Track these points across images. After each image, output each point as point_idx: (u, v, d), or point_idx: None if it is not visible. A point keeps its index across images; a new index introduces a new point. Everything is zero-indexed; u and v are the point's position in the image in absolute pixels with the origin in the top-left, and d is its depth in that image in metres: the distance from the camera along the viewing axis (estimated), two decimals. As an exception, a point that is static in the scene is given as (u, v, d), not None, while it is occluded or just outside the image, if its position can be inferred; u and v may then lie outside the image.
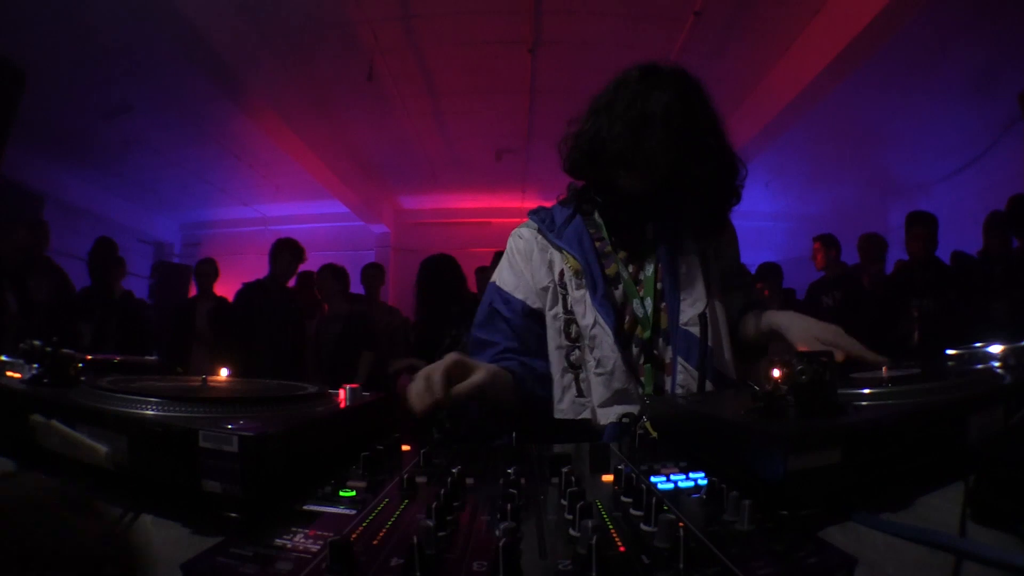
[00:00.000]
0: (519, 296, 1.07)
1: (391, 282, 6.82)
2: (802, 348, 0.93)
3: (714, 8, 3.40)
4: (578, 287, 1.04)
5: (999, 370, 0.74)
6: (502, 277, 1.11)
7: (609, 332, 1.00)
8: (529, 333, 1.07)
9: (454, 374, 0.85)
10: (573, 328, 1.03)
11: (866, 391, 0.66)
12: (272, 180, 6.24)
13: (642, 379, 1.01)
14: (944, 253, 3.39)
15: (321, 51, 3.90)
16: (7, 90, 3.40)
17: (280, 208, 7.29)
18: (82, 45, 3.59)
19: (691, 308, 1.03)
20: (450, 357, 0.86)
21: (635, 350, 1.03)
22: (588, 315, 1.02)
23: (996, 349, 0.79)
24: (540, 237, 1.11)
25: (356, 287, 4.34)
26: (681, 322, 1.02)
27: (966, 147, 4.70)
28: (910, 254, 3.42)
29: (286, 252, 3.63)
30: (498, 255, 1.30)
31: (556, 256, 1.08)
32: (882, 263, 3.87)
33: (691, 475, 0.59)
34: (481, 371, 0.88)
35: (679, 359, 1.00)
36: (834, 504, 0.50)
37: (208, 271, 4.24)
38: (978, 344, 0.83)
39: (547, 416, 1.05)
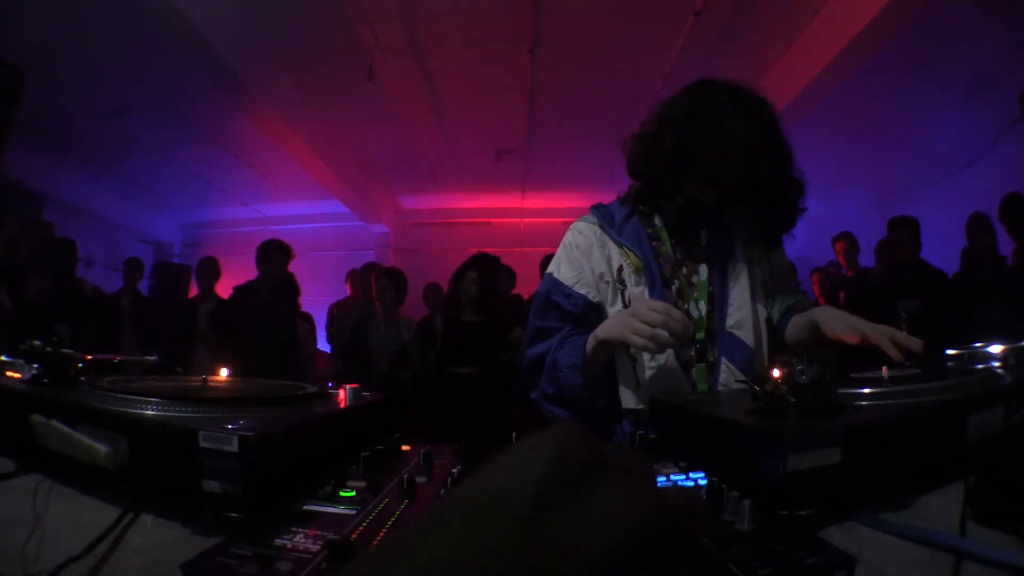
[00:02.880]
0: (581, 290, 1.11)
1: (391, 282, 6.82)
2: (836, 336, 0.96)
3: (714, 8, 3.40)
4: (637, 283, 1.08)
5: (999, 370, 0.74)
6: (561, 271, 1.14)
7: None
8: (590, 325, 1.09)
9: None
10: None
11: (866, 391, 0.66)
12: (272, 180, 6.23)
13: (691, 377, 1.06)
14: (943, 253, 3.39)
15: (321, 51, 3.90)
16: (7, 90, 3.40)
17: (280, 208, 7.28)
18: (82, 45, 3.59)
19: (737, 312, 1.08)
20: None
21: (685, 349, 1.08)
22: None
23: (996, 349, 0.79)
24: (600, 232, 1.14)
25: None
26: (727, 325, 1.08)
27: (966, 147, 4.69)
28: (896, 258, 3.44)
29: (276, 253, 3.60)
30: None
31: (615, 251, 1.12)
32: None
33: (691, 475, 0.59)
34: None
35: (723, 359, 1.06)
36: (834, 504, 0.50)
37: (210, 271, 4.21)
38: (978, 344, 0.83)
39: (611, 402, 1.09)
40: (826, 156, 5.31)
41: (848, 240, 4.23)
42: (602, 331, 0.99)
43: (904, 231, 3.36)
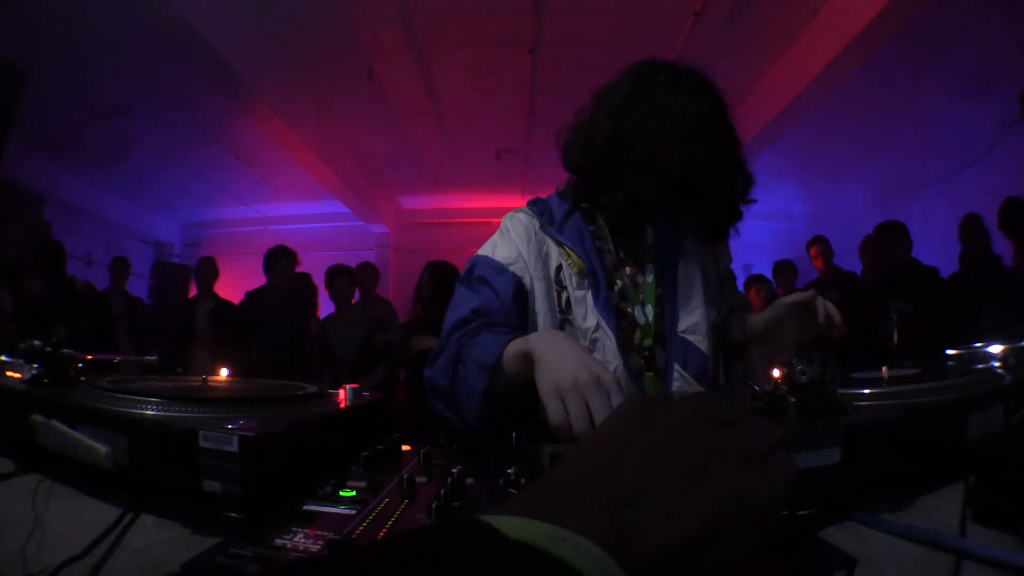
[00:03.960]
0: (515, 270, 0.98)
1: (391, 282, 6.82)
2: (791, 300, 0.96)
3: (714, 8, 3.39)
4: (579, 287, 0.98)
5: (999, 370, 0.74)
6: (496, 251, 1.01)
7: (612, 337, 0.95)
8: (516, 311, 0.96)
9: None
10: (567, 329, 0.97)
11: (866, 391, 0.66)
12: (272, 180, 6.23)
13: (642, 387, 0.98)
14: (943, 252, 3.39)
15: (321, 51, 3.90)
16: (7, 90, 3.40)
17: (280, 208, 7.28)
18: (82, 45, 3.59)
19: (690, 316, 1.00)
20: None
21: (633, 356, 0.99)
22: (590, 318, 0.96)
23: (996, 349, 0.79)
24: (538, 229, 1.04)
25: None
26: (679, 329, 0.99)
27: (966, 147, 4.70)
28: (888, 261, 3.44)
29: (283, 260, 3.67)
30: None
31: (554, 250, 1.02)
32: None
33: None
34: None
35: (676, 366, 0.97)
36: (834, 504, 0.50)
37: (208, 271, 4.21)
38: (978, 344, 0.83)
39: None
40: (826, 155, 5.32)
41: (822, 244, 4.22)
42: (537, 343, 0.73)
43: (892, 235, 3.38)
